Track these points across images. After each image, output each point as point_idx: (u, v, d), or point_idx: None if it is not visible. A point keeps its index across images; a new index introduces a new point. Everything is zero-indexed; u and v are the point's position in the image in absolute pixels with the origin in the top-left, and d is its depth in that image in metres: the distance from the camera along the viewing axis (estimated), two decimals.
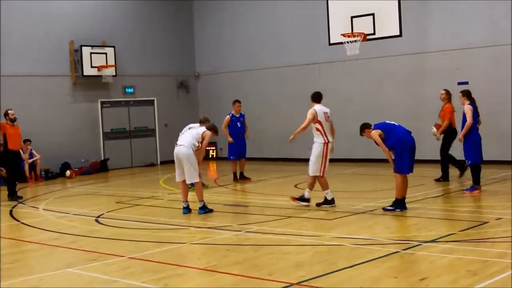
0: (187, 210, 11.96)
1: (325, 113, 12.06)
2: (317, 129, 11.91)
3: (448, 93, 15.05)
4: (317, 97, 12.27)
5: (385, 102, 20.00)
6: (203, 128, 12.18)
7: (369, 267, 7.52)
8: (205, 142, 12.02)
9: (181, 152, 11.77)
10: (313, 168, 11.91)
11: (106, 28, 22.56)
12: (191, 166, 11.71)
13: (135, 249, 9.10)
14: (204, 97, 24.91)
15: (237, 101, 17.11)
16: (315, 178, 11.97)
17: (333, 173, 18.01)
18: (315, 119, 11.87)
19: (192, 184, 12.04)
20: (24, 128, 16.70)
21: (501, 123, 17.68)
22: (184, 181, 11.91)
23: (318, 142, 11.92)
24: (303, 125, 11.91)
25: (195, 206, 12.00)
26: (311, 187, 12.02)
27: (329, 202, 11.95)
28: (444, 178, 14.76)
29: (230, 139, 16.66)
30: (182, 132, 12.35)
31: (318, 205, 11.96)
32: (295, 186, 15.44)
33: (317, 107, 12.08)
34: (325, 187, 12.00)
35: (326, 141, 11.91)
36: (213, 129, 12.27)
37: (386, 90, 20.09)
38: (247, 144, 17.15)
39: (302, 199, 12.09)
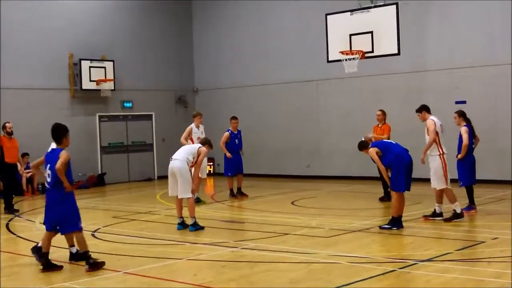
0: (181, 226, 11.93)
1: (441, 124, 12.07)
2: (434, 141, 11.88)
3: (384, 113, 15.13)
4: (429, 108, 12.29)
5: None
6: (199, 144, 12.27)
7: (365, 286, 7.51)
8: (201, 157, 12.00)
9: (175, 166, 11.77)
10: (436, 181, 11.83)
11: (105, 42, 22.64)
12: (184, 180, 11.68)
13: (131, 264, 9.09)
14: (202, 112, 24.83)
15: (234, 117, 17.10)
16: (442, 191, 11.89)
17: (329, 191, 18.11)
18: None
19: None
20: (21, 141, 16.71)
21: (499, 142, 17.69)
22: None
23: (434, 155, 11.85)
24: (430, 140, 11.85)
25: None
26: (439, 200, 11.93)
27: (458, 215, 11.83)
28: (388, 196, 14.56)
29: (229, 155, 16.65)
30: None
31: (447, 220, 11.77)
32: (292, 203, 15.43)
33: (434, 118, 12.09)
34: (453, 199, 11.87)
35: (441, 152, 11.90)
36: (207, 143, 12.31)
37: (384, 108, 20.08)
38: (244, 161, 17.16)
39: (434, 215, 11.96)
